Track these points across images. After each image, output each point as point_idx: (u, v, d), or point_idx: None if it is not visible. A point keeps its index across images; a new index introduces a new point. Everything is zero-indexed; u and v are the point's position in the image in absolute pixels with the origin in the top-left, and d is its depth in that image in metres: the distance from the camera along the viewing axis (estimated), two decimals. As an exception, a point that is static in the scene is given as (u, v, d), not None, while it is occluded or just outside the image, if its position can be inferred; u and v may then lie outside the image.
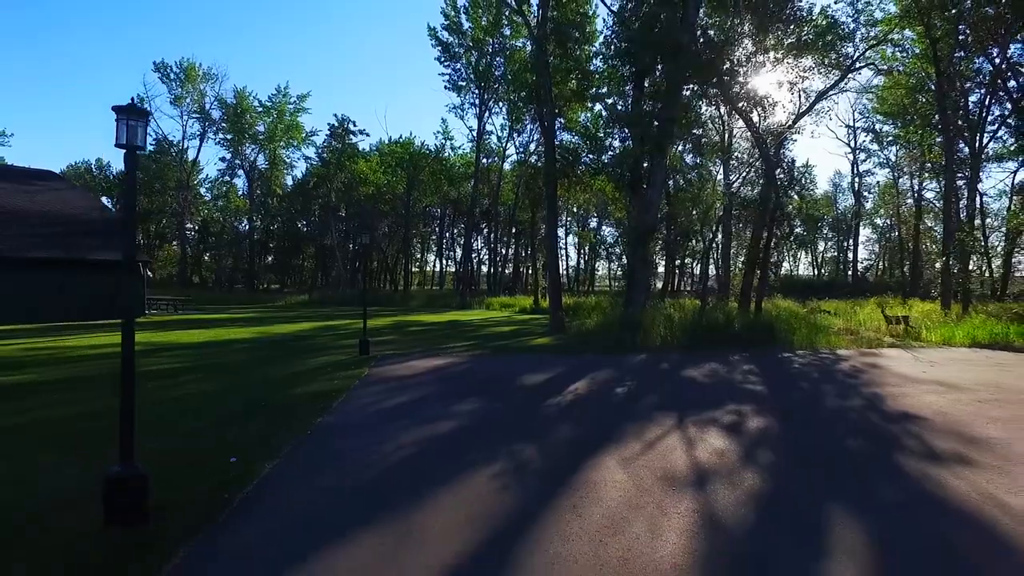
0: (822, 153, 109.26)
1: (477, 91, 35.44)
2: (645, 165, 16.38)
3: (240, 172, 47.95)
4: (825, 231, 66.29)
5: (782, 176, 21.80)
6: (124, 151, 3.28)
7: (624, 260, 43.69)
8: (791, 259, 77.08)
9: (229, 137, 46.51)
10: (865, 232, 58.05)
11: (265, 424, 5.75)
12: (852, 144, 44.40)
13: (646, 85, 18.19)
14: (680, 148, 31.02)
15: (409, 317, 23.65)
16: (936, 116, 21.79)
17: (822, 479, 4.31)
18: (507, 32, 33.31)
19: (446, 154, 46.93)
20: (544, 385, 8.29)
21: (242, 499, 3.74)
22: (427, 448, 5.07)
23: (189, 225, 48.74)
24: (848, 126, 43.19)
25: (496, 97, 36.55)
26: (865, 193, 48.59)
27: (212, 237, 50.57)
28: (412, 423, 5.90)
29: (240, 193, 48.36)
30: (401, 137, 46.38)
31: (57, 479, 4.14)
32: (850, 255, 55.40)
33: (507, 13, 31.43)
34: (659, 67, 15.56)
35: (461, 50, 34.83)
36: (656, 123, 14.74)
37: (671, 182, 30.56)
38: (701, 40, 15.16)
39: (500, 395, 7.50)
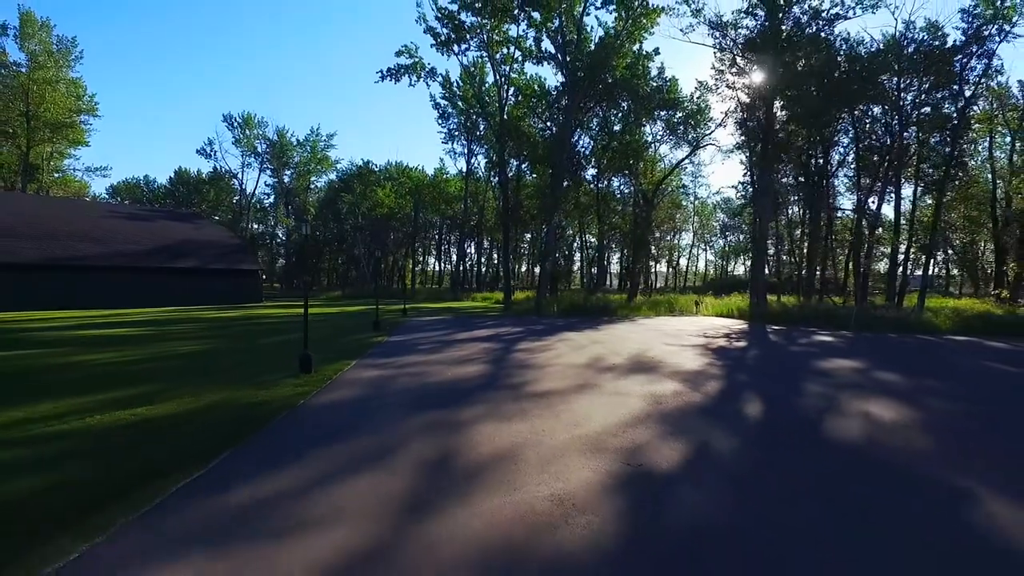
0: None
1: (466, 142, 48.35)
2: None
3: (281, 194, 60.83)
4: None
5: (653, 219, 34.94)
6: None
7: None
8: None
9: (272, 167, 59.42)
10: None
11: (389, 322, 18.63)
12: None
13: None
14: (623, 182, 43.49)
15: (418, 305, 36.53)
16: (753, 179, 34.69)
17: (535, 335, 17.24)
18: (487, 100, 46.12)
19: (444, 176, 59.98)
20: (481, 324, 21.19)
21: (395, 329, 16.63)
22: (434, 326, 17.94)
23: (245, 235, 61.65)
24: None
25: (480, 144, 49.44)
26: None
27: (262, 243, 63.57)
28: (429, 326, 18.79)
29: (282, 212, 61.38)
30: (406, 165, 59.43)
31: (356, 329, 17.00)
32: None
33: (486, 88, 44.24)
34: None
35: (453, 111, 47.65)
36: (554, 195, 27.73)
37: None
38: (580, 149, 28.07)
39: (462, 324, 20.38)
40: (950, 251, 55.15)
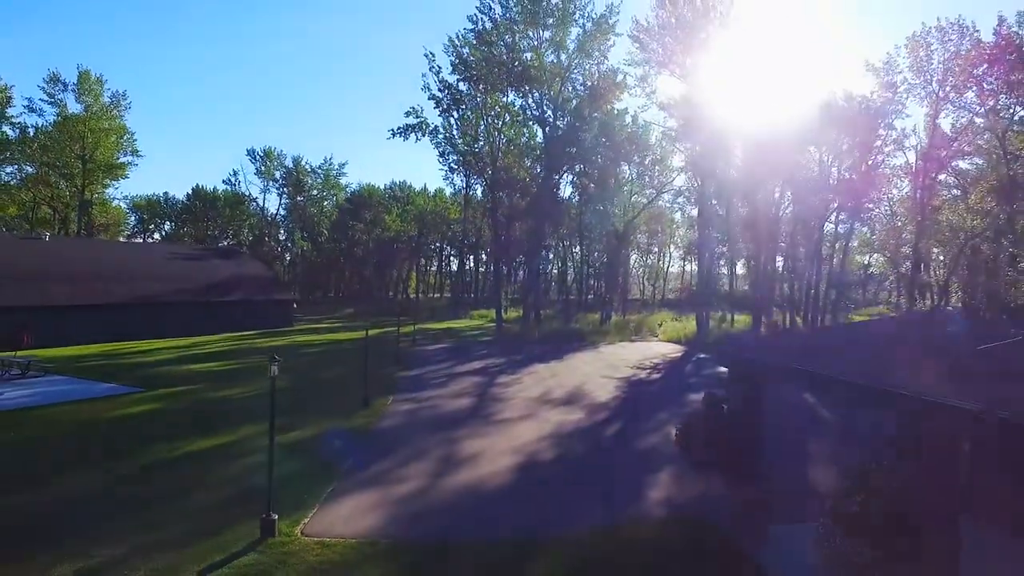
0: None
1: (464, 177, 54.45)
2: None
3: (296, 217, 67.05)
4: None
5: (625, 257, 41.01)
6: None
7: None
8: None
9: (288, 191, 65.57)
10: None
11: (404, 353, 24.72)
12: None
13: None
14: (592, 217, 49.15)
15: (422, 325, 42.59)
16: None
17: (513, 367, 23.35)
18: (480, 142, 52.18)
19: (446, 203, 66.16)
20: (475, 352, 27.26)
21: (411, 362, 22.74)
22: (439, 352, 24.04)
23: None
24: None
25: (477, 178, 55.48)
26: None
27: (280, 262, 69.91)
28: (435, 357, 24.88)
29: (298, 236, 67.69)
30: (410, 185, 65.57)
31: (382, 361, 23.12)
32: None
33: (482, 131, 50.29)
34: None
35: (451, 149, 53.72)
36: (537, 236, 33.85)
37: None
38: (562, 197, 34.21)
39: (461, 354, 26.45)
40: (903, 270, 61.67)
